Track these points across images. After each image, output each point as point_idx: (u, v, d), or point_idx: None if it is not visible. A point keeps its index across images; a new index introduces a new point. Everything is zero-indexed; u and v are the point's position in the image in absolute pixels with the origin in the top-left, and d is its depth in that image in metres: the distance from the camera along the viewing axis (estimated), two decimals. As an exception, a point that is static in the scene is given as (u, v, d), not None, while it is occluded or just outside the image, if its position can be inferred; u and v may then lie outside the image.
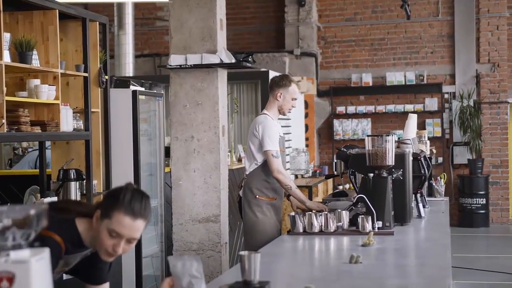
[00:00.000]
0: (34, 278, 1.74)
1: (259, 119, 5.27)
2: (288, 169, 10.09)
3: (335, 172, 5.20)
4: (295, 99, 5.31)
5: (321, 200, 5.91)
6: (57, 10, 5.28)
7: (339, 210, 4.37)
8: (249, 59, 5.79)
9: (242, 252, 2.69)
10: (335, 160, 5.14)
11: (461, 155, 12.52)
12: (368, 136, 4.49)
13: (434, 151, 9.07)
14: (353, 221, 4.34)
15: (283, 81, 5.30)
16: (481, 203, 12.14)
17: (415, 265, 3.52)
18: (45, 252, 1.80)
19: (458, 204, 12.33)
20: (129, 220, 2.55)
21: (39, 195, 5.58)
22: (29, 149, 8.26)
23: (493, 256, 9.90)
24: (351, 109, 12.81)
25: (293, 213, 4.38)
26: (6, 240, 1.77)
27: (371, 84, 12.81)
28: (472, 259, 9.43)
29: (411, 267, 3.44)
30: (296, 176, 10.45)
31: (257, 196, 5.18)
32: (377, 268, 3.34)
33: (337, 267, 3.38)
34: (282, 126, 9.64)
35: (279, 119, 5.43)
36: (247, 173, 5.28)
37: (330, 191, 10.51)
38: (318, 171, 10.94)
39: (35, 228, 1.80)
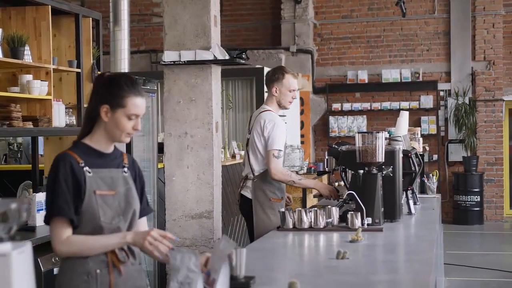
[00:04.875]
0: (15, 272, 1.75)
1: (265, 116, 5.10)
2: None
3: (326, 168, 5.19)
4: (293, 90, 5.13)
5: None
6: (50, 6, 5.30)
7: (329, 207, 4.38)
8: (243, 56, 5.78)
9: (228, 248, 2.71)
10: (326, 157, 5.14)
11: (456, 153, 12.54)
12: (358, 133, 4.47)
13: (427, 148, 9.10)
14: (343, 218, 4.35)
15: (276, 74, 5.16)
16: (476, 200, 12.16)
17: (400, 261, 3.54)
18: (27, 246, 1.81)
19: (453, 201, 12.36)
20: (140, 100, 2.87)
21: (31, 190, 5.59)
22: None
23: (486, 253, 9.93)
24: (346, 106, 12.82)
25: (283, 209, 4.39)
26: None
27: (366, 81, 12.83)
28: (465, 256, 9.46)
29: (396, 263, 3.45)
30: (291, 173, 10.46)
31: (271, 199, 5.09)
32: (363, 263, 3.36)
33: (324, 262, 3.39)
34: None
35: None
36: (255, 173, 5.13)
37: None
38: (313, 168, 10.96)
39: (16, 222, 1.82)
